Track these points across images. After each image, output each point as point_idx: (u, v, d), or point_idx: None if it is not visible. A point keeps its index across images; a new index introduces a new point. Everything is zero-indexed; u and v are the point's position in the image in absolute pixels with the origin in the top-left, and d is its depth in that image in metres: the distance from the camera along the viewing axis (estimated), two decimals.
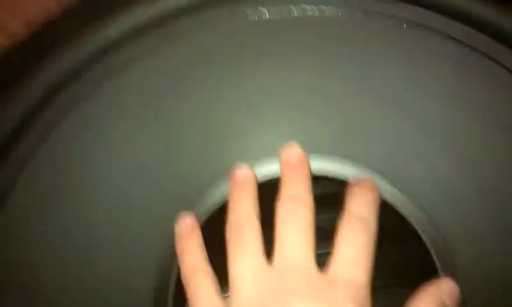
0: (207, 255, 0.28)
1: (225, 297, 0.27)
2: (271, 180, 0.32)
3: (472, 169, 0.31)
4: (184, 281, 0.28)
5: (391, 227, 0.30)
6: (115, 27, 0.31)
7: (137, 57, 0.30)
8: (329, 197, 0.33)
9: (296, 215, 0.27)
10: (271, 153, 0.31)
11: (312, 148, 0.31)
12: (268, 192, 0.29)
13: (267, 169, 0.33)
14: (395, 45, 0.32)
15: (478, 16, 0.30)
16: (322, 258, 0.28)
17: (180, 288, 0.28)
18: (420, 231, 0.31)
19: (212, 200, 0.32)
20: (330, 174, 0.33)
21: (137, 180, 0.31)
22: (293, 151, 0.30)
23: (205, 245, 0.29)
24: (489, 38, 0.30)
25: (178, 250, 0.29)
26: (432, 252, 0.30)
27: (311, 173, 0.30)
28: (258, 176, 0.31)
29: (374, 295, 0.26)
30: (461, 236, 0.30)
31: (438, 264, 0.30)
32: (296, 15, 0.31)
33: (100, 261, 0.29)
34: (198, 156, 0.32)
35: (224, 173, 0.31)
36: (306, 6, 0.32)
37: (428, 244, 0.31)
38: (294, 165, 0.29)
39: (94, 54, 0.30)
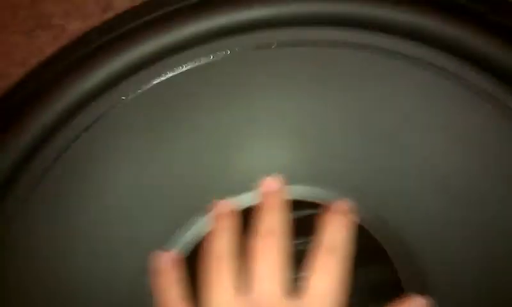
0: (185, 291, 0.30)
1: None
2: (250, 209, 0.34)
3: (444, 189, 0.33)
4: None
5: (362, 248, 0.32)
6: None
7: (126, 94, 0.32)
8: (305, 220, 0.35)
9: (266, 249, 0.29)
10: (249, 184, 0.33)
11: (288, 175, 0.33)
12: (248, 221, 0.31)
13: (246, 199, 0.34)
14: (365, 71, 0.33)
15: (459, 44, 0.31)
16: (298, 281, 0.30)
17: None
18: (390, 252, 0.33)
19: (192, 234, 0.33)
20: (306, 199, 0.35)
21: (116, 217, 0.33)
22: (267, 184, 0.32)
23: (186, 280, 0.30)
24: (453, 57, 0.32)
25: (156, 286, 0.30)
26: (402, 272, 0.32)
27: (286, 201, 0.32)
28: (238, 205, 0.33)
29: None
30: (432, 257, 0.32)
31: (405, 284, 0.32)
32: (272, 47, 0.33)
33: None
34: (178, 190, 0.33)
35: (203, 207, 0.32)
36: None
37: (398, 264, 0.33)
38: (267, 198, 0.31)
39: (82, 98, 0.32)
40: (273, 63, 0.33)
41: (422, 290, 0.31)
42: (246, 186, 0.34)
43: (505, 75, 0.31)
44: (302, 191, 0.35)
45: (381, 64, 0.32)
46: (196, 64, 0.32)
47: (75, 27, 0.32)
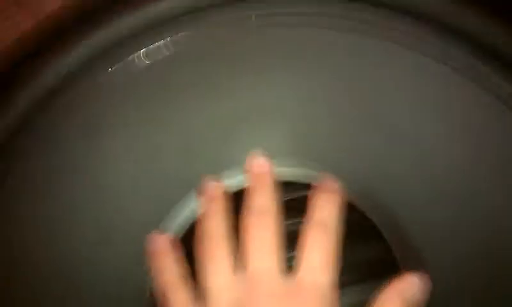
0: (184, 270, 0.29)
1: None
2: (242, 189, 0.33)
3: (427, 167, 0.32)
4: (159, 299, 0.29)
5: (354, 225, 0.31)
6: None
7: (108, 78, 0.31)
8: (297, 201, 0.34)
9: (260, 227, 0.29)
10: (238, 163, 0.33)
11: (276, 154, 0.32)
12: (239, 201, 0.30)
13: (238, 179, 0.34)
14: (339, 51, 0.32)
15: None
16: (292, 261, 0.29)
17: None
18: (382, 229, 0.32)
19: (184, 216, 0.33)
20: (296, 179, 0.34)
21: (107, 197, 0.32)
22: (257, 162, 0.31)
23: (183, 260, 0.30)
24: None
25: (153, 268, 0.29)
26: (395, 249, 0.32)
27: (276, 180, 0.31)
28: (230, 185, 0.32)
29: (340, 293, 0.28)
30: (422, 233, 0.32)
31: (399, 260, 0.32)
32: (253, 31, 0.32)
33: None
34: (168, 172, 0.32)
35: (196, 187, 0.32)
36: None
37: (391, 241, 0.32)
38: (257, 176, 0.31)
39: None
40: (259, 43, 0.33)
41: (417, 267, 0.30)
42: (237, 166, 0.33)
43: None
44: (292, 171, 0.34)
45: (372, 45, 0.32)
46: (184, 38, 0.31)
47: (53, 6, 0.31)
